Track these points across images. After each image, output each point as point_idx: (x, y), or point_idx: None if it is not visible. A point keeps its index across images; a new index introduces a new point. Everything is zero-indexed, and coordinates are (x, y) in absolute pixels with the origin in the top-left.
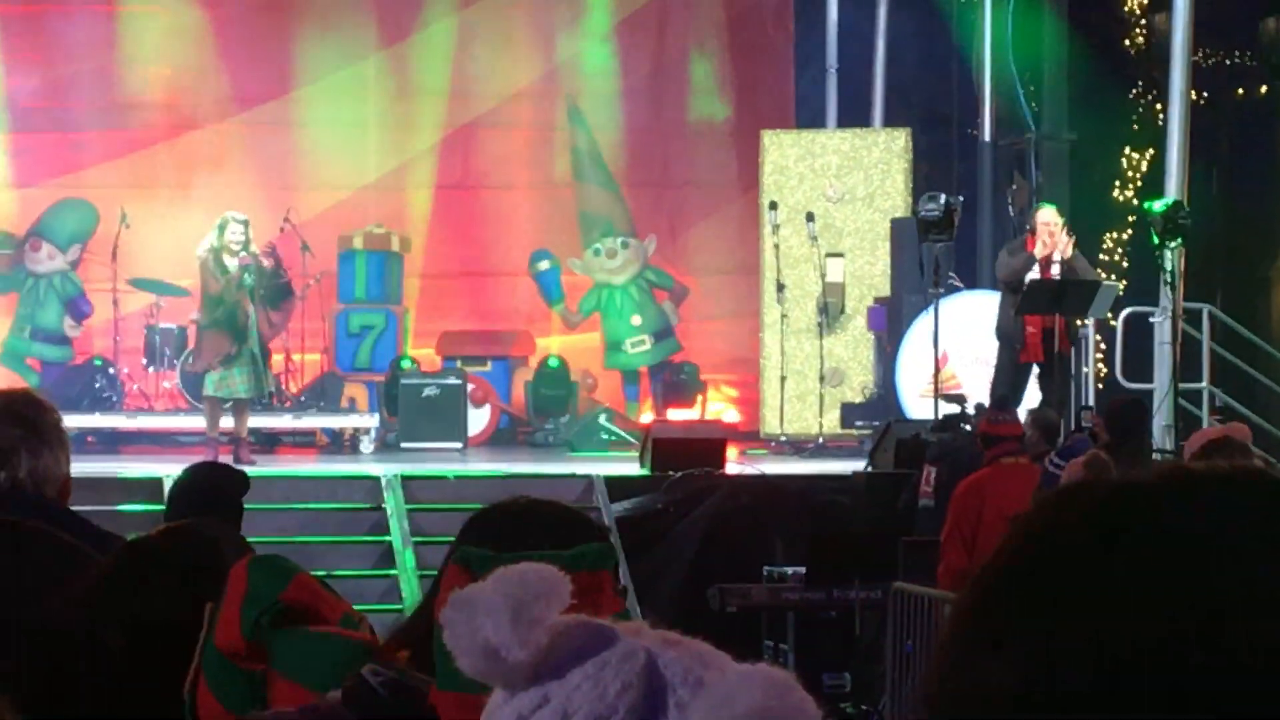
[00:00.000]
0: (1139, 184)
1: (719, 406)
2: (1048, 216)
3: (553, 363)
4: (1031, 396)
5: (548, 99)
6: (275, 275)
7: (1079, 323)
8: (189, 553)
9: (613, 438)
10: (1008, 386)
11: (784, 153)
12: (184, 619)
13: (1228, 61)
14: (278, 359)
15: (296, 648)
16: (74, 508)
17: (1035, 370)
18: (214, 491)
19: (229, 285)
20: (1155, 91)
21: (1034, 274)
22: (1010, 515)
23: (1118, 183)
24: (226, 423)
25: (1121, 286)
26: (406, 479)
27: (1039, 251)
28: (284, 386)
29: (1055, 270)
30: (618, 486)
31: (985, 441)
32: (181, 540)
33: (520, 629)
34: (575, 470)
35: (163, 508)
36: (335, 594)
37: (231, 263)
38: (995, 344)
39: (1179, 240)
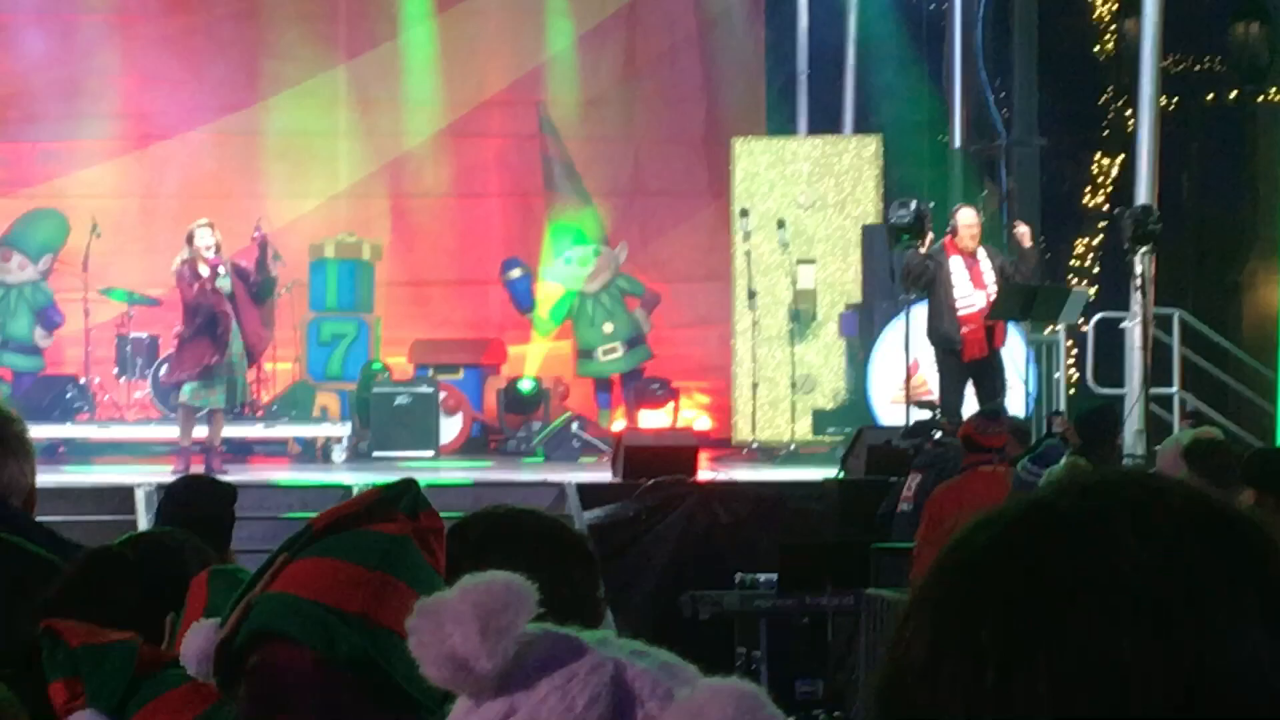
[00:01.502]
0: (1109, 189)
1: (691, 414)
2: (968, 218)
3: (525, 388)
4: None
5: (518, 107)
6: (261, 269)
7: (1048, 329)
8: (151, 562)
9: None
10: (956, 391)
11: (755, 160)
12: (146, 629)
13: (1197, 67)
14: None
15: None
16: (47, 518)
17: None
18: (197, 504)
19: (203, 289)
20: (1125, 97)
21: (960, 271)
22: None
23: (1088, 188)
24: (199, 431)
25: (1092, 292)
26: None
27: (929, 244)
28: (255, 396)
29: (985, 265)
30: (590, 494)
31: (968, 446)
32: (144, 550)
33: (489, 639)
34: (547, 478)
35: (133, 517)
36: None
37: (204, 269)
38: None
39: (1149, 245)
